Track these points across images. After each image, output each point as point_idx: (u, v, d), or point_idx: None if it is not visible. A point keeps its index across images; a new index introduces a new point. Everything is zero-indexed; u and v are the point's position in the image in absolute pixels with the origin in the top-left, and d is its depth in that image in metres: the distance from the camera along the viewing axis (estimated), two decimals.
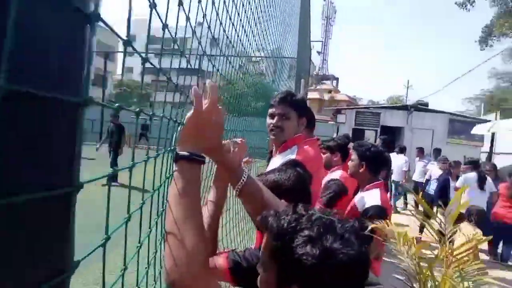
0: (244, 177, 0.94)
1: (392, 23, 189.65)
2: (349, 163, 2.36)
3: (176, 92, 1.07)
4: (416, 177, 8.94)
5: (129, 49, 0.60)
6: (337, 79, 59.21)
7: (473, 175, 6.03)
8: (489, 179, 5.98)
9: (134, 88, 33.55)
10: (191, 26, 1.03)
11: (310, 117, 2.29)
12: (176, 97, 1.12)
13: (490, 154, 14.85)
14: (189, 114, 0.81)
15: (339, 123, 14.11)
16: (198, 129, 0.81)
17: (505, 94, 28.14)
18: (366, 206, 2.13)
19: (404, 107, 14.02)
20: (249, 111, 3.48)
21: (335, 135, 11.94)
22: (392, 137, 14.07)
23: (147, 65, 0.75)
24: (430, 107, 14.85)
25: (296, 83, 4.58)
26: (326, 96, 46.60)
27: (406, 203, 9.12)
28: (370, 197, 2.17)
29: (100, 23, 0.44)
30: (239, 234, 2.58)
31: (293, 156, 1.74)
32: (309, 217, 0.67)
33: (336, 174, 2.56)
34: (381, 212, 2.02)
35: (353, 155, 2.35)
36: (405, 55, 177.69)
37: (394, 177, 8.65)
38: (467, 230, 1.22)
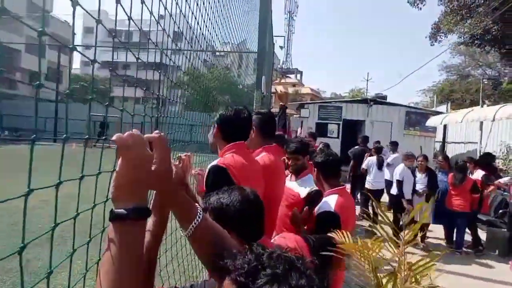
0: (198, 217, 0.81)
1: (353, 17, 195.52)
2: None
3: (138, 87, 1.03)
4: None
5: (88, 41, 0.57)
6: (301, 72, 60.10)
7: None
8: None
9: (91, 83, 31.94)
10: (155, 19, 0.99)
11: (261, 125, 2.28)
12: (139, 92, 1.08)
13: (443, 143, 15.90)
14: (119, 161, 0.68)
15: (303, 118, 14.34)
16: (133, 178, 0.68)
17: (454, 86, 30.10)
18: (318, 211, 2.10)
19: (364, 101, 14.48)
20: (216, 107, 3.44)
21: (299, 130, 12.11)
22: (353, 131, 14.61)
23: (106, 58, 0.71)
24: (388, 100, 15.49)
25: (258, 77, 4.59)
26: (291, 90, 47.16)
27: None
28: (325, 203, 2.13)
29: (57, 14, 0.41)
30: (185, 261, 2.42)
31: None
32: (270, 256, 0.64)
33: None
34: (332, 219, 1.95)
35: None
36: (365, 49, 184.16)
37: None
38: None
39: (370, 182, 7.55)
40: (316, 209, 2.21)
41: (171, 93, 2.04)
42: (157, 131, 0.77)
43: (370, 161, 7.76)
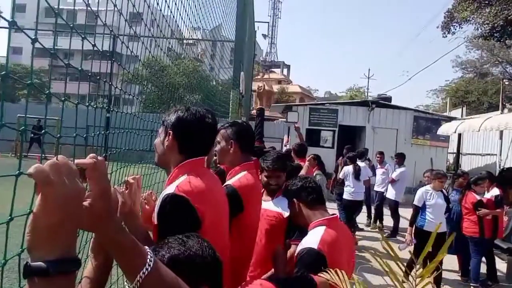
0: (148, 265, 0.78)
1: (353, 2, 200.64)
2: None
3: (84, 81, 1.01)
4: (377, 187, 9.54)
5: (19, 22, 0.55)
6: (288, 67, 60.83)
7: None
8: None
9: (24, 75, 31.13)
10: None
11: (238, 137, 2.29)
12: (84, 87, 1.05)
13: (458, 155, 16.41)
14: (38, 199, 0.65)
15: (290, 123, 14.42)
16: (56, 221, 0.65)
17: (470, 86, 31.12)
18: (298, 250, 2.02)
19: (365, 103, 14.72)
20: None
21: (285, 138, 12.16)
22: (351, 140, 14.81)
23: (43, 44, 0.69)
24: (393, 102, 15.82)
25: (235, 72, 4.61)
26: (275, 87, 47.62)
27: (371, 219, 9.64)
28: (308, 238, 2.06)
29: None
30: None
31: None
32: None
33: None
34: (315, 260, 1.87)
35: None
36: (366, 41, 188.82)
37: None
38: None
39: (348, 193, 8.05)
40: (299, 245, 2.10)
41: (127, 89, 2.02)
42: (92, 154, 0.75)
43: (346, 170, 8.21)
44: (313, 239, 1.99)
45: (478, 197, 6.02)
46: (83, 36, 1.02)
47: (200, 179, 1.52)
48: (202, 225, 1.43)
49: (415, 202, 5.82)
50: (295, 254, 2.04)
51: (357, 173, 8.02)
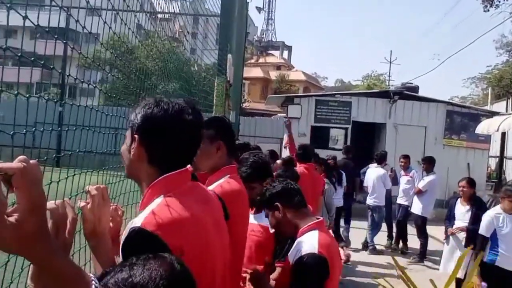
0: None
1: None
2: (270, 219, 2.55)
3: (28, 66, 1.02)
4: (400, 199, 9.60)
5: None
6: (289, 48, 60.94)
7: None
8: None
9: None
10: None
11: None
12: (27, 74, 1.07)
13: (501, 159, 16.51)
14: None
15: (292, 118, 14.38)
16: None
17: None
18: (296, 257, 2.25)
19: (385, 94, 14.73)
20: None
21: (285, 138, 12.15)
22: (368, 140, 14.83)
23: None
24: (420, 93, 15.86)
25: (221, 55, 4.62)
26: (273, 74, 47.78)
27: (392, 240, 9.68)
28: (304, 244, 2.29)
29: None
30: None
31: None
32: None
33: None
34: (319, 265, 2.16)
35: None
36: (387, 17, 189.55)
37: (370, 199, 9.31)
38: None
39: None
40: (291, 254, 2.36)
41: (85, 77, 2.03)
42: (22, 157, 0.74)
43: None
44: (310, 244, 2.23)
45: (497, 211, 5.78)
46: (25, 9, 1.03)
47: (181, 202, 1.47)
48: None
49: (483, 232, 5.55)
50: (292, 264, 2.26)
51: (339, 181, 8.79)
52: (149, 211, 1.42)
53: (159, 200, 1.45)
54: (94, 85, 2.23)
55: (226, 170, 2.31)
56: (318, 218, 2.45)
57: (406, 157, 9.80)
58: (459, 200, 6.53)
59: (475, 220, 6.12)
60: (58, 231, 1.10)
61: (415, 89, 16.15)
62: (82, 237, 1.46)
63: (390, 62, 43.25)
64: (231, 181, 2.27)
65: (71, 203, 1.30)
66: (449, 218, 6.65)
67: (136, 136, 1.47)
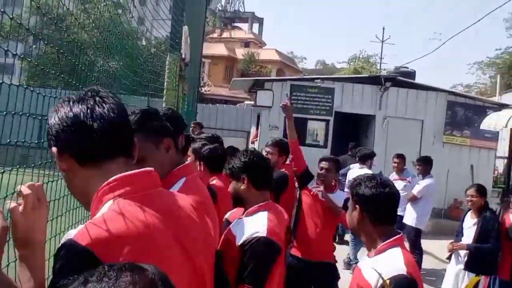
0: None
1: None
2: (347, 216, 2.93)
3: None
4: None
5: None
6: (260, 21, 60.89)
7: None
8: None
9: None
10: None
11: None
12: None
13: (510, 160, 16.85)
14: None
15: (261, 107, 14.27)
16: None
17: None
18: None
19: (375, 80, 14.72)
20: (93, 78, 3.42)
21: (253, 131, 12.06)
22: (354, 135, 14.93)
23: None
24: (417, 79, 16.07)
25: (174, 27, 4.59)
26: (240, 52, 47.66)
27: None
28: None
29: None
30: None
31: None
32: None
33: (262, 219, 3.02)
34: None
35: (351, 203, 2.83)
36: None
37: None
38: None
39: None
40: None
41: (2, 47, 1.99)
42: None
43: None
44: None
45: None
46: None
47: (132, 211, 1.48)
48: None
49: None
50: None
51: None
52: (83, 226, 1.41)
53: (108, 204, 1.47)
54: (14, 59, 2.19)
55: (182, 171, 2.36)
56: (399, 233, 2.82)
57: (400, 157, 9.77)
58: (469, 212, 6.57)
59: (481, 238, 6.18)
60: None
61: (411, 74, 16.29)
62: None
63: (382, 42, 43.69)
64: (191, 183, 2.29)
65: None
66: (458, 233, 6.67)
67: (54, 148, 1.51)
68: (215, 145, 4.49)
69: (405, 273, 2.43)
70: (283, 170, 5.84)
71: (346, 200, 8.86)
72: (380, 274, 2.46)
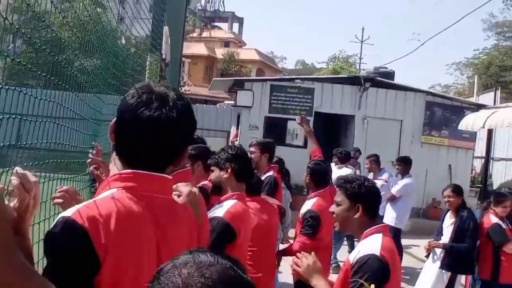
0: None
1: None
2: (336, 209, 3.16)
3: None
4: None
5: None
6: (240, 20, 60.84)
7: None
8: None
9: None
10: None
11: None
12: None
13: (487, 160, 17.03)
14: None
15: (242, 107, 14.24)
16: None
17: (508, 59, 32.16)
18: (357, 257, 2.85)
19: (355, 80, 14.88)
20: (72, 81, 3.40)
21: (233, 130, 12.01)
22: (334, 135, 15.00)
23: None
24: (396, 80, 16.24)
25: (155, 26, 4.57)
26: (220, 52, 47.55)
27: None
28: (367, 246, 2.92)
29: None
30: None
31: None
32: None
33: (227, 206, 3.49)
34: (379, 268, 2.75)
35: (339, 196, 3.14)
36: None
37: None
38: None
39: None
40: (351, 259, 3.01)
41: None
42: None
43: None
44: (372, 245, 2.88)
45: (495, 220, 6.14)
46: None
47: (129, 202, 1.55)
48: (101, 269, 1.41)
49: None
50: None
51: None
52: (89, 201, 1.51)
53: (107, 192, 1.55)
54: None
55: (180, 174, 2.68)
56: (382, 223, 3.43)
57: (374, 157, 9.88)
58: (449, 211, 6.67)
59: (457, 237, 6.29)
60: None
61: (390, 75, 16.39)
62: None
63: (362, 42, 43.86)
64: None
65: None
66: (438, 233, 6.79)
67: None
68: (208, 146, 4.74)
69: (377, 254, 2.77)
70: (272, 173, 6.01)
71: None
72: (358, 252, 2.86)
